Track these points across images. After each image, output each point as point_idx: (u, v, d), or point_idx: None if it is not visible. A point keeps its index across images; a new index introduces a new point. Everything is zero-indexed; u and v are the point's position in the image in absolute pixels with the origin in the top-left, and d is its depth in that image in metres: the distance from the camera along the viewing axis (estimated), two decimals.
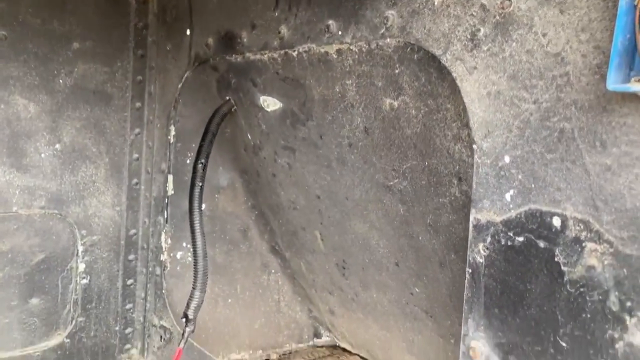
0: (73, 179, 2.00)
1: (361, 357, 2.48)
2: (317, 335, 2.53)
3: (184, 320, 1.70)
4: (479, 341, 1.03)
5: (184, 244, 2.10)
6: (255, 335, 2.37)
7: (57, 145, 1.95)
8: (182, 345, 1.69)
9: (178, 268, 2.10)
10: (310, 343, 2.53)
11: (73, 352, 2.06)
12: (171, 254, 2.09)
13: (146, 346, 2.17)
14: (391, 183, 1.47)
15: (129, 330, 2.19)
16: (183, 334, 1.69)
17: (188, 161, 2.04)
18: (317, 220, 1.89)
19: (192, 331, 1.70)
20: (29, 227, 1.93)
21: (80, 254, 2.05)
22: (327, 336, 2.52)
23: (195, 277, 1.70)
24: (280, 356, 2.46)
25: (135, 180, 2.13)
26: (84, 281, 2.07)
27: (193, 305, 1.68)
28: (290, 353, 2.49)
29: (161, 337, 2.08)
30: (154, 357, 2.13)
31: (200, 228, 1.71)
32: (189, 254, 2.10)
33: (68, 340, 2.05)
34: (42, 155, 1.92)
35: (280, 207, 2.05)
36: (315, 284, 2.21)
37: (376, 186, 1.53)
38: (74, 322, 2.06)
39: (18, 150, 1.88)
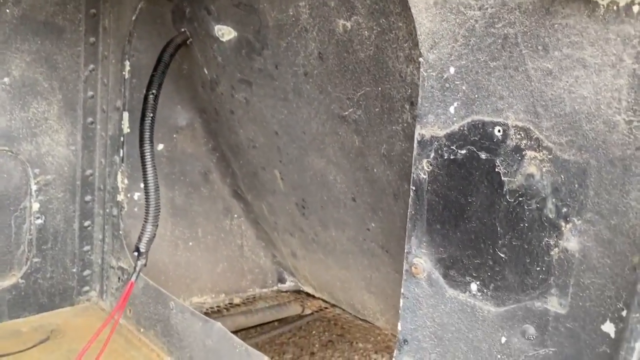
0: (24, 115, 1.93)
1: (323, 301, 2.49)
2: (281, 280, 2.53)
3: (135, 254, 1.67)
4: (421, 258, 1.02)
5: (141, 185, 2.06)
6: (217, 280, 2.36)
7: (6, 79, 1.87)
8: (134, 278, 1.67)
9: (135, 209, 2.06)
10: (275, 288, 2.54)
11: (29, 292, 2.03)
12: (128, 195, 2.04)
13: (105, 288, 2.14)
14: (346, 113, 1.44)
15: (87, 272, 2.16)
16: (135, 268, 1.66)
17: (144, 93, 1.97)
18: (276, 158, 1.86)
19: (145, 265, 1.68)
20: None
21: (33, 193, 1.99)
22: (291, 281, 2.52)
23: (147, 210, 1.67)
24: (243, 300, 2.46)
25: (90, 119, 2.07)
26: (39, 221, 2.02)
27: (145, 238, 1.65)
28: (254, 298, 2.49)
29: (119, 278, 2.06)
30: (113, 299, 2.10)
31: (152, 161, 1.67)
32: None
33: (23, 280, 2.01)
34: None
35: (240, 146, 2.01)
36: (277, 226, 2.20)
37: (332, 117, 1.50)
38: (28, 262, 2.01)
39: None
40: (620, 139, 0.76)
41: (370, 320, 2.11)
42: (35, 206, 2.00)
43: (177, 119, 2.09)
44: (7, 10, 1.84)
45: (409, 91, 1.23)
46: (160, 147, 2.10)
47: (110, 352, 1.80)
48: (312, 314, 2.49)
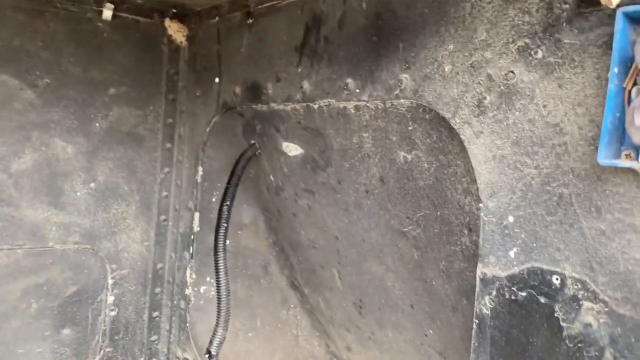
0: (105, 216, 2.12)
1: None
2: None
3: (207, 356, 1.78)
4: None
5: (208, 279, 2.19)
6: None
7: (92, 184, 2.08)
8: None
9: (201, 302, 2.19)
10: None
11: None
12: (195, 288, 2.18)
13: None
14: (405, 229, 1.54)
15: None
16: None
17: (214, 199, 2.14)
18: (335, 259, 1.96)
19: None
20: (63, 261, 2.05)
21: (109, 287, 2.15)
22: None
23: (219, 314, 1.78)
24: None
25: (163, 217, 2.24)
26: (113, 313, 2.17)
27: (216, 341, 1.76)
28: None
29: None
30: None
31: (224, 267, 1.80)
32: (212, 288, 2.19)
33: None
34: (78, 193, 2.05)
35: (300, 245, 2.13)
36: (333, 320, 2.28)
37: (391, 231, 1.60)
38: (102, 352, 2.15)
39: (56, 189, 2.00)
40: None
41: None
42: (111, 299, 2.16)
43: (243, 216, 2.24)
44: (97, 124, 2.07)
45: (467, 219, 1.33)
46: (227, 243, 2.24)
47: None
48: None
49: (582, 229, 0.94)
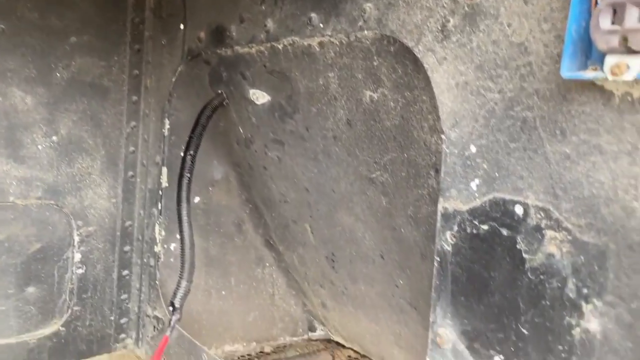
0: (69, 171, 2.04)
1: (354, 351, 2.49)
2: (311, 329, 2.55)
3: (170, 308, 1.73)
4: (446, 329, 1.04)
5: (177, 236, 2.13)
6: (249, 328, 2.39)
7: (54, 137, 1.99)
8: (168, 333, 1.72)
9: (171, 259, 2.13)
10: (305, 337, 2.55)
11: (69, 340, 2.10)
12: (165, 246, 2.12)
13: (140, 336, 2.21)
14: (373, 175, 1.48)
15: (124, 320, 2.23)
16: (170, 322, 1.72)
17: (182, 154, 2.07)
18: (307, 213, 1.91)
19: (179, 319, 1.73)
20: (26, 217, 1.97)
21: (76, 244, 2.09)
22: (321, 330, 2.53)
23: (182, 266, 1.73)
24: (274, 349, 2.48)
25: (131, 173, 2.17)
26: (80, 271, 2.11)
27: (180, 294, 1.71)
28: (284, 346, 2.51)
29: (154, 327, 2.12)
30: (148, 347, 2.16)
31: (188, 219, 1.74)
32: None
33: (64, 328, 2.09)
34: (39, 146, 1.96)
35: (272, 200, 2.07)
36: (307, 277, 2.23)
37: (360, 178, 1.55)
38: (69, 311, 2.09)
39: (15, 142, 1.92)
40: (639, 225, 0.78)
41: None
42: (77, 256, 2.10)
43: (213, 172, 2.17)
44: (57, 74, 1.97)
45: (434, 159, 1.27)
46: (197, 199, 2.18)
47: None
48: None
49: (546, 153, 0.89)
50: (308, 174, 1.74)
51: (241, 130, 1.92)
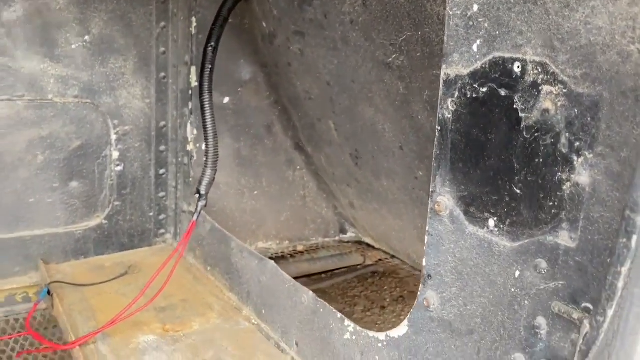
0: (103, 70, 2.11)
1: (384, 252, 2.55)
2: (342, 231, 2.61)
3: (197, 195, 1.81)
4: (444, 196, 1.05)
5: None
6: (281, 227, 2.48)
7: (87, 37, 2.05)
8: (194, 218, 1.81)
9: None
10: (337, 238, 2.63)
11: (112, 232, 2.25)
12: (197, 145, 2.18)
13: (178, 231, 2.33)
14: (390, 59, 1.46)
15: (162, 216, 2.35)
16: (196, 208, 1.80)
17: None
18: (330, 109, 1.91)
19: (205, 205, 1.81)
20: (65, 115, 2.07)
21: (113, 142, 2.18)
22: (352, 232, 2.60)
23: (207, 155, 1.79)
24: (307, 248, 2.57)
25: (162, 74, 2.21)
26: (119, 168, 2.22)
27: (205, 181, 1.78)
28: (317, 247, 2.60)
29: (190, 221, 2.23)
30: (191, 237, 2.28)
31: (211, 110, 1.77)
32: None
33: (106, 222, 2.23)
34: (73, 46, 2.03)
35: (298, 98, 2.08)
36: (334, 177, 2.27)
37: (377, 65, 1.52)
38: (111, 205, 2.23)
39: (50, 41, 1.98)
40: (633, 69, 0.75)
41: None
42: (115, 154, 2.20)
43: (242, 73, 2.18)
44: None
45: None
46: (226, 100, 2.22)
47: (180, 287, 1.98)
48: (373, 264, 2.56)
49: (545, 4, 0.84)
50: (329, 66, 1.73)
51: (264, 25, 1.91)
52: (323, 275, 2.47)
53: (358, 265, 2.52)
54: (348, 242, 2.61)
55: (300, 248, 2.54)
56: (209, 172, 1.77)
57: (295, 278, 1.61)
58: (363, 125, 1.78)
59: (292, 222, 2.47)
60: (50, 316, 1.90)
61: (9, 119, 1.98)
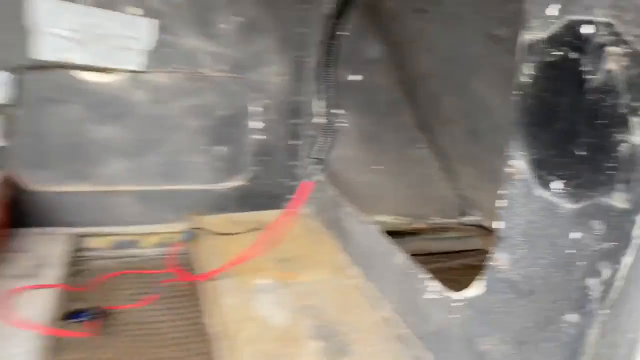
0: (250, 49, 2.37)
1: None
2: (462, 212, 2.62)
3: (313, 159, 1.98)
4: (519, 160, 1.08)
5: (337, 110, 2.35)
6: (400, 204, 2.56)
7: (237, 18, 2.32)
8: (311, 180, 1.98)
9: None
10: (456, 220, 2.64)
11: (248, 194, 2.53)
12: (324, 118, 2.36)
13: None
14: (498, 32, 1.48)
15: (293, 183, 2.57)
16: (312, 172, 1.97)
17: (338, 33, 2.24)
18: (448, 86, 1.95)
19: (321, 169, 1.98)
20: (216, 87, 2.38)
21: (255, 114, 2.45)
22: (473, 215, 2.59)
23: (325, 124, 1.94)
24: (425, 227, 2.62)
25: (300, 53, 2.42)
26: (258, 137, 2.48)
27: (321, 147, 1.95)
28: (435, 226, 2.62)
29: (316, 187, 2.42)
30: (314, 207, 2.48)
31: (331, 81, 1.91)
32: (343, 119, 2.36)
33: (245, 184, 2.51)
34: (224, 26, 2.31)
35: (421, 76, 2.15)
36: (456, 156, 2.29)
37: (486, 38, 1.54)
38: (249, 170, 2.50)
39: (206, 21, 2.29)
40: None
41: None
42: (256, 125, 2.47)
43: (369, 51, 2.31)
44: None
45: None
46: (354, 77, 2.36)
47: (301, 244, 2.19)
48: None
49: None
50: (446, 42, 1.78)
51: (389, 3, 2.01)
52: (439, 256, 2.49)
53: (476, 249, 2.51)
54: (468, 224, 2.60)
55: (418, 225, 2.59)
56: (324, 139, 1.93)
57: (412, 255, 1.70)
58: (477, 101, 1.80)
59: (412, 199, 2.54)
60: (189, 256, 2.23)
61: (170, 88, 2.34)
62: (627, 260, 0.84)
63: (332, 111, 1.94)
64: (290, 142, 2.53)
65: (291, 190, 2.58)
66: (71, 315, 1.75)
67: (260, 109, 2.44)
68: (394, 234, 2.54)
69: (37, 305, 1.70)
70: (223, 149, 2.46)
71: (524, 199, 1.07)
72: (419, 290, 1.49)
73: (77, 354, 1.62)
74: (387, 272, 1.69)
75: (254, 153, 2.49)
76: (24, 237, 2.14)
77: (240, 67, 2.38)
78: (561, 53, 0.96)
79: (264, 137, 2.48)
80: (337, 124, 2.35)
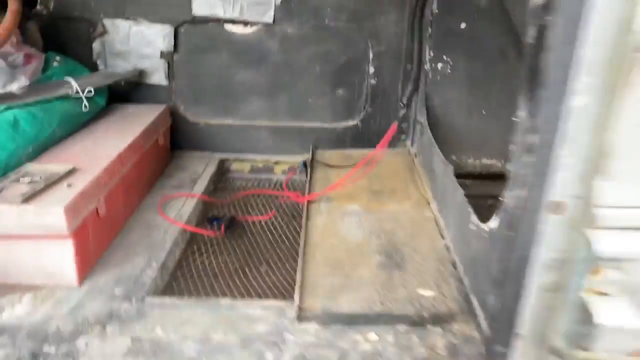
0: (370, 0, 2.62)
1: None
2: None
3: (400, 104, 2.22)
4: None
5: (444, 57, 2.52)
6: (507, 149, 2.65)
7: None
8: (396, 122, 2.23)
9: (438, 77, 2.55)
10: None
11: (364, 132, 2.85)
12: (433, 65, 2.54)
13: (413, 137, 2.78)
14: None
15: (404, 124, 2.82)
16: (398, 114, 2.21)
17: None
18: None
19: (405, 114, 2.21)
20: (337, 36, 2.69)
21: (370, 60, 2.72)
22: None
23: (413, 74, 2.14)
24: None
25: (414, 2, 2.60)
26: (373, 81, 2.76)
27: (406, 94, 2.17)
28: None
29: (419, 130, 2.65)
30: (418, 144, 2.72)
31: (421, 32, 2.10)
32: (447, 66, 2.52)
33: (360, 124, 2.83)
34: None
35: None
36: None
37: None
38: (365, 110, 2.81)
39: None
40: None
41: None
42: (371, 70, 2.74)
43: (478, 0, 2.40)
44: None
45: None
46: (464, 25, 2.48)
47: (395, 181, 2.47)
48: None
49: None
50: None
51: None
52: None
53: None
54: None
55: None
56: (411, 86, 2.15)
57: None
58: None
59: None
60: (301, 182, 2.65)
61: (298, 37, 2.71)
62: None
63: (415, 58, 2.13)
64: (403, 86, 2.76)
65: (401, 130, 2.84)
66: (211, 220, 2.29)
67: (375, 55, 2.70)
68: (498, 176, 2.68)
69: (187, 209, 2.26)
70: (342, 92, 2.79)
71: None
72: (466, 222, 1.71)
73: (208, 247, 2.15)
74: (451, 207, 1.91)
75: (368, 96, 2.78)
76: (181, 157, 2.76)
77: (358, 17, 2.65)
78: None
79: (377, 81, 2.75)
80: (439, 71, 2.52)
